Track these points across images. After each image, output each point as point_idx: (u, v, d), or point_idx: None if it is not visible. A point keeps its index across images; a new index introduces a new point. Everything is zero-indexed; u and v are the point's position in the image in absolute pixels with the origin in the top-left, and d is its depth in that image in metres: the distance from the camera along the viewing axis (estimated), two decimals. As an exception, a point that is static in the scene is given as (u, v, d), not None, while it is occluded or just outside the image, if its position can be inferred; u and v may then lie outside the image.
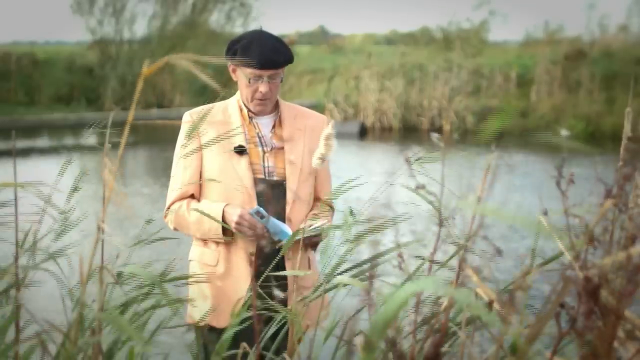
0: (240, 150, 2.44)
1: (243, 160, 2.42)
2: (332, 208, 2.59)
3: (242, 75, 2.44)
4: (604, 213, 0.84)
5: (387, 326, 0.59)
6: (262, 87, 2.41)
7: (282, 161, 2.47)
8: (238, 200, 2.41)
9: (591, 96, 18.42)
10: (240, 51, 2.40)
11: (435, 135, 0.98)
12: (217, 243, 2.44)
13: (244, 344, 1.70)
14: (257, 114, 2.50)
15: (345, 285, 1.64)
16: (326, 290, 1.73)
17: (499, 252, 0.82)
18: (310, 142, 2.48)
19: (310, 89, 21.03)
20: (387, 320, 0.59)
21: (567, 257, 0.85)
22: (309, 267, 2.49)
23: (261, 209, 2.31)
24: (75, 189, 1.60)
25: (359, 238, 1.76)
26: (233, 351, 1.71)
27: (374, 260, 1.63)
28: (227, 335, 1.51)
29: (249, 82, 2.42)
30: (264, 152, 2.47)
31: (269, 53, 2.38)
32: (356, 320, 0.82)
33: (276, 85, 2.45)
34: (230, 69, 2.51)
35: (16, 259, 1.49)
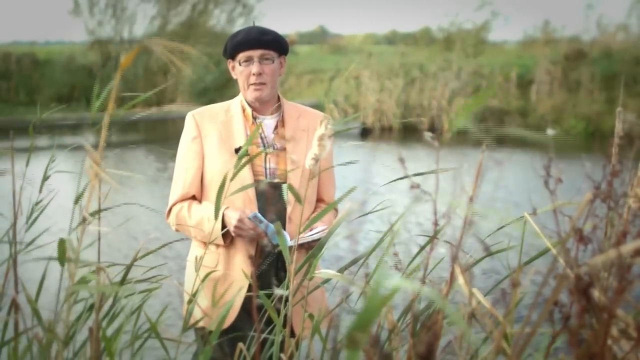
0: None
1: (244, 161, 2.40)
2: (335, 209, 2.58)
3: (237, 66, 2.45)
4: (585, 205, 0.85)
5: (370, 323, 0.59)
6: (254, 68, 2.40)
7: (284, 162, 2.44)
8: (239, 202, 2.40)
9: (591, 96, 18.43)
10: (230, 40, 2.45)
11: (429, 135, 0.98)
12: (217, 245, 2.43)
13: (241, 344, 1.70)
14: (257, 103, 2.46)
15: (328, 279, 1.65)
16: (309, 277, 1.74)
17: (487, 250, 0.83)
18: (313, 142, 2.47)
19: (310, 89, 21.04)
20: (370, 317, 0.59)
21: (554, 253, 0.85)
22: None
23: (258, 214, 2.29)
24: (45, 178, 1.62)
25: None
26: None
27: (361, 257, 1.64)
28: (213, 335, 1.51)
29: (241, 65, 2.42)
30: (266, 154, 2.45)
31: (255, 33, 2.42)
32: (338, 318, 0.82)
33: (270, 68, 2.43)
34: (230, 68, 2.51)
35: (15, 258, 1.50)
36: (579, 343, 1.06)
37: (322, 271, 1.72)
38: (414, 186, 1.19)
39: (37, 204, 1.64)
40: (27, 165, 1.62)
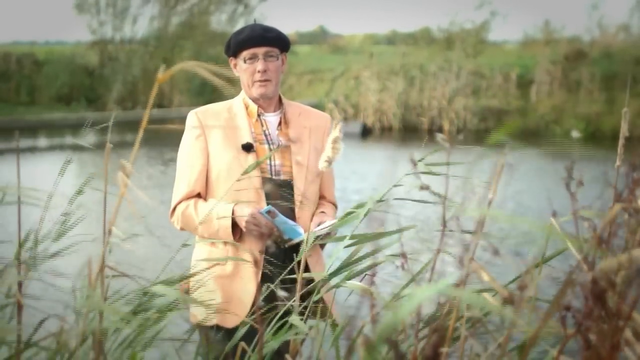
0: (248, 147, 2.41)
1: (250, 158, 2.39)
2: (335, 206, 2.59)
3: (240, 63, 2.45)
4: (613, 217, 0.83)
5: (394, 331, 0.58)
6: (259, 65, 2.41)
7: (289, 159, 2.45)
8: (246, 199, 2.38)
9: (591, 96, 18.44)
10: (233, 38, 2.46)
11: (440, 136, 0.97)
12: (226, 242, 2.42)
13: (243, 344, 1.69)
14: (261, 100, 2.46)
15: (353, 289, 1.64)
16: (329, 288, 1.73)
17: (496, 252, 0.81)
18: (315, 141, 2.48)
19: (310, 89, 21.04)
20: (395, 325, 0.58)
21: (577, 257, 0.84)
22: (318, 265, 2.47)
23: (273, 208, 2.28)
24: (79, 192, 1.59)
25: (361, 240, 1.76)
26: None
27: (372, 260, 1.63)
28: (237, 335, 1.50)
29: (245, 63, 2.42)
30: (271, 150, 2.45)
31: (259, 30, 2.43)
32: (355, 320, 0.81)
33: (275, 65, 2.44)
34: (231, 65, 2.50)
35: (19, 261, 1.48)
36: (590, 347, 1.05)
37: (348, 283, 1.71)
38: (424, 187, 1.18)
39: (64, 215, 1.61)
40: (61, 175, 1.57)
